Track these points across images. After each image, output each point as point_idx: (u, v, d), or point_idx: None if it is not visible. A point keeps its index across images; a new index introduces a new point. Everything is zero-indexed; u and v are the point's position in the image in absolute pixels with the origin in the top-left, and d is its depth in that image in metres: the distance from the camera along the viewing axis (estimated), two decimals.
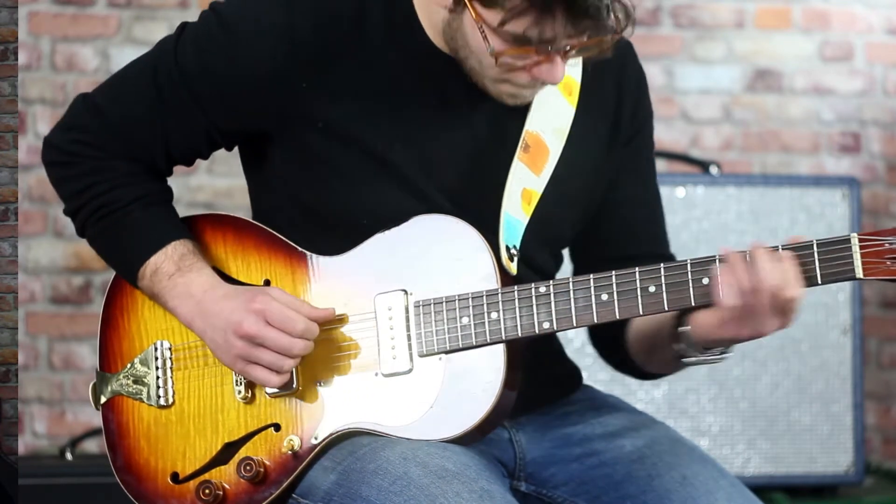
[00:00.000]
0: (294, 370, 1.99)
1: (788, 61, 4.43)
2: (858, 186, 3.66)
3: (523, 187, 2.03)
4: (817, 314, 3.61)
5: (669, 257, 2.20)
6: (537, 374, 2.08)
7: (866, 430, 3.99)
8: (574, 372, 2.23)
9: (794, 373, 3.60)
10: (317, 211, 2.05)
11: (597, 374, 3.45)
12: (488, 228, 1.98)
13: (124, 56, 4.09)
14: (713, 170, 3.71)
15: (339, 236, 2.02)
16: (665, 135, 4.37)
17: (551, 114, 2.06)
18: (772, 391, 3.60)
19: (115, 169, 2.08)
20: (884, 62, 4.44)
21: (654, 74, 4.34)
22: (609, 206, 2.16)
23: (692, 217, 3.61)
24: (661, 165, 4.25)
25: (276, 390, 2.00)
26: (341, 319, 2.00)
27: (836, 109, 4.43)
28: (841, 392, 3.62)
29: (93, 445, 3.89)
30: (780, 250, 1.87)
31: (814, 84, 4.43)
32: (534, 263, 2.07)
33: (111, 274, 2.15)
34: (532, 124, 2.05)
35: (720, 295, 1.88)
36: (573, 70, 2.09)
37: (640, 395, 3.55)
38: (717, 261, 1.89)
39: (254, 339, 1.95)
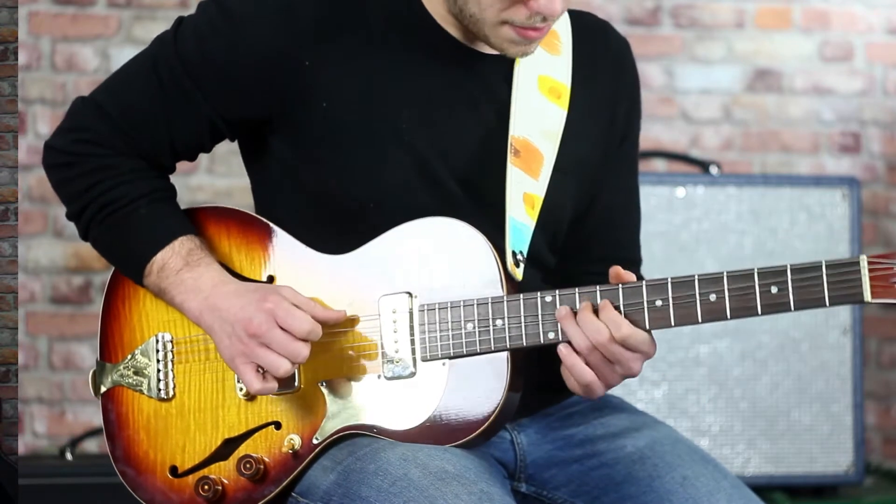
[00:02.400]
0: (297, 369, 1.98)
1: (788, 61, 4.43)
2: (858, 186, 3.66)
3: (524, 192, 2.03)
4: (817, 314, 3.61)
5: (637, 261, 2.21)
6: (540, 375, 2.08)
7: (866, 430, 3.99)
8: None
9: (794, 373, 3.60)
10: (322, 198, 2.04)
11: None
12: (495, 231, 1.98)
13: (124, 56, 4.04)
14: (713, 170, 3.71)
15: (343, 225, 2.01)
16: (665, 135, 4.37)
17: (537, 117, 2.06)
18: (772, 391, 3.59)
19: (118, 166, 2.07)
20: (884, 62, 4.44)
21: (654, 74, 4.34)
22: (588, 210, 2.16)
23: (692, 217, 3.60)
24: (661, 165, 4.27)
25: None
26: (352, 321, 2.00)
27: (836, 109, 4.43)
28: (841, 392, 3.61)
29: (93, 445, 3.89)
30: (598, 295, 1.90)
31: (814, 84, 4.43)
32: (539, 263, 2.07)
33: (112, 272, 2.15)
34: (516, 129, 2.04)
35: (570, 378, 1.93)
36: (561, 75, 2.09)
37: (641, 395, 3.55)
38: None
39: (261, 338, 1.94)
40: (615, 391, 2.27)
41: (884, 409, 4.39)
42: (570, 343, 1.91)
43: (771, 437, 3.59)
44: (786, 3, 4.42)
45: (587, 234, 2.17)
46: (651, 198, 3.54)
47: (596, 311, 1.90)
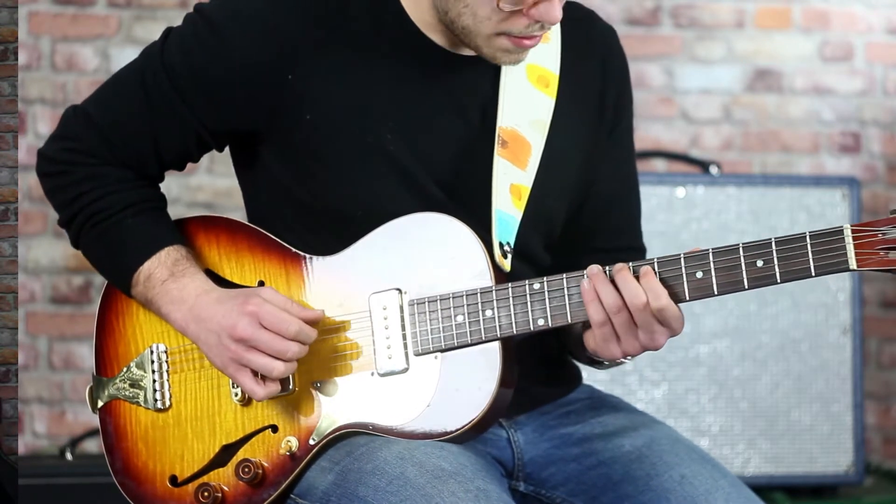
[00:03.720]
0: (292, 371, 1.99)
1: (788, 61, 4.43)
2: (858, 186, 3.66)
3: (510, 183, 2.03)
4: (817, 314, 3.61)
5: (641, 249, 2.22)
6: (537, 373, 2.09)
7: (866, 430, 3.99)
8: (573, 371, 2.23)
9: (794, 373, 3.60)
10: (310, 207, 2.05)
11: (596, 373, 3.44)
12: (481, 225, 1.98)
13: (124, 56, 4.09)
14: (713, 170, 3.70)
15: (332, 232, 2.02)
16: (665, 135, 4.37)
17: (526, 107, 2.06)
18: (772, 391, 3.59)
19: (107, 176, 2.08)
20: (884, 62, 4.44)
21: (654, 74, 4.34)
22: (587, 199, 2.16)
23: (692, 217, 3.60)
24: (661, 165, 4.27)
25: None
26: (341, 326, 2.00)
27: (836, 109, 4.43)
28: (841, 392, 3.61)
29: (93, 445, 3.89)
30: (640, 266, 1.89)
31: (814, 84, 4.43)
32: (529, 257, 2.07)
33: (105, 286, 2.15)
34: (504, 120, 2.05)
35: (588, 315, 1.91)
36: (550, 62, 2.09)
37: (640, 394, 3.55)
38: (584, 276, 1.91)
39: (248, 341, 1.95)
40: (614, 391, 2.28)
41: (884, 409, 4.39)
42: (598, 299, 1.90)
43: (771, 437, 3.59)
44: (786, 3, 4.42)
45: (586, 224, 2.17)
46: (651, 198, 3.54)
47: (636, 277, 1.89)
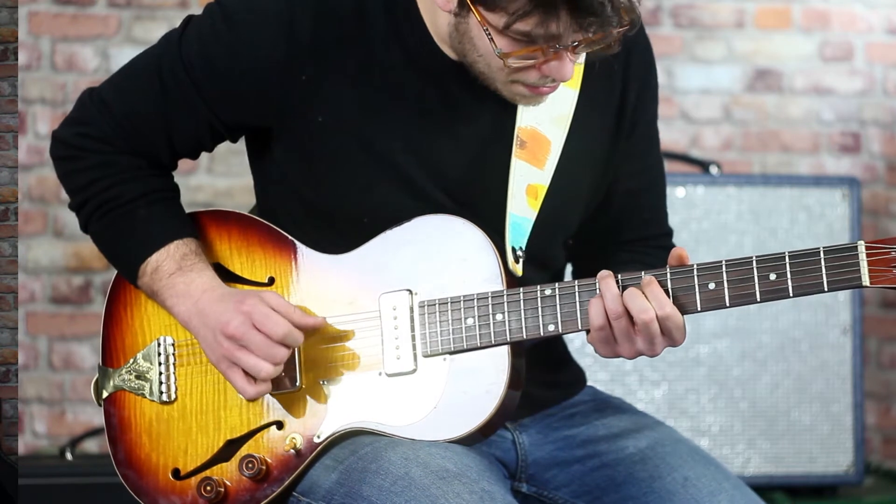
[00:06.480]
0: (297, 368, 1.99)
1: (788, 61, 4.43)
2: (858, 186, 3.66)
3: (527, 183, 2.03)
4: (817, 314, 3.61)
5: (669, 233, 2.21)
6: (542, 375, 2.08)
7: (866, 430, 3.99)
8: (578, 374, 2.24)
9: (794, 373, 3.60)
10: (318, 207, 2.05)
11: (597, 373, 3.46)
12: (494, 229, 1.98)
13: (124, 56, 4.08)
14: (713, 170, 3.71)
15: (340, 233, 2.02)
16: (665, 135, 4.31)
17: (548, 103, 2.04)
18: (772, 391, 3.60)
19: (119, 164, 2.08)
20: (884, 62, 4.44)
21: None
22: (610, 195, 2.16)
23: (692, 217, 3.60)
24: None
25: (277, 388, 2.00)
26: (350, 325, 2.00)
27: (836, 109, 4.43)
28: (841, 392, 3.62)
29: (93, 445, 3.89)
30: (644, 275, 1.89)
31: (814, 84, 4.43)
32: (542, 260, 2.07)
33: (111, 273, 2.15)
34: (524, 120, 2.04)
35: (589, 319, 1.91)
36: None
37: (641, 395, 3.55)
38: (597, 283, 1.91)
39: (238, 340, 1.95)
40: (615, 391, 2.28)
41: (884, 409, 4.39)
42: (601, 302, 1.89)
43: (771, 437, 3.59)
44: (786, 3, 4.42)
45: (612, 218, 2.16)
46: None
47: (640, 288, 1.88)
